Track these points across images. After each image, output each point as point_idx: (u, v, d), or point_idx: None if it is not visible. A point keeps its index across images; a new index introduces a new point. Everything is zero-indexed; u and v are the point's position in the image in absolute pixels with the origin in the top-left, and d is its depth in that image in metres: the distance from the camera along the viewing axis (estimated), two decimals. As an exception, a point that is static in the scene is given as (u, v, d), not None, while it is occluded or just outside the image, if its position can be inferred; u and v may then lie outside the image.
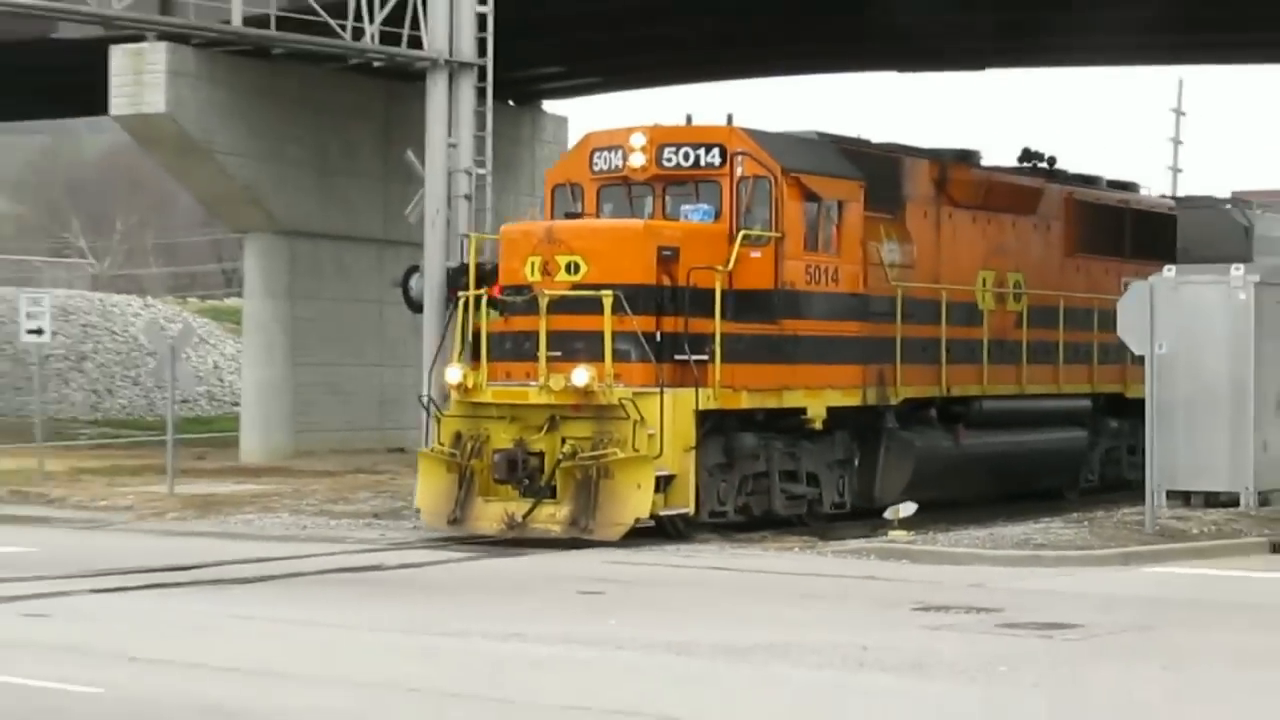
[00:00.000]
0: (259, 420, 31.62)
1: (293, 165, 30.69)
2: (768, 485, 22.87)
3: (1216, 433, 24.35)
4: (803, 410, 22.90)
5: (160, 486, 28.48)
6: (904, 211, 25.36)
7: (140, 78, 28.03)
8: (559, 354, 20.93)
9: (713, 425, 21.43)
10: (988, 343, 26.52)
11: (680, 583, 20.01)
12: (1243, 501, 24.16)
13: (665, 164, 22.71)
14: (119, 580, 19.20)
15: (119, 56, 26.86)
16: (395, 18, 24.37)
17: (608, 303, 20.40)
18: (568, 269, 20.88)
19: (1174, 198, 33.41)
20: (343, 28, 24.34)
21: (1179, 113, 62.32)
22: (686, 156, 22.81)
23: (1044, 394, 27.84)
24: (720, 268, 21.27)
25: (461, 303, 22.60)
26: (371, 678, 13.75)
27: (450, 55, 24.01)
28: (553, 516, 20.80)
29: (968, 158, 28.32)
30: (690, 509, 21.03)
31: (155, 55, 27.44)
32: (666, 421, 20.58)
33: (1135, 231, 30.58)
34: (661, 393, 20.55)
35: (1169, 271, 25.41)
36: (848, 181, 23.70)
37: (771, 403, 22.24)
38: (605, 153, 23.29)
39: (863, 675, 13.32)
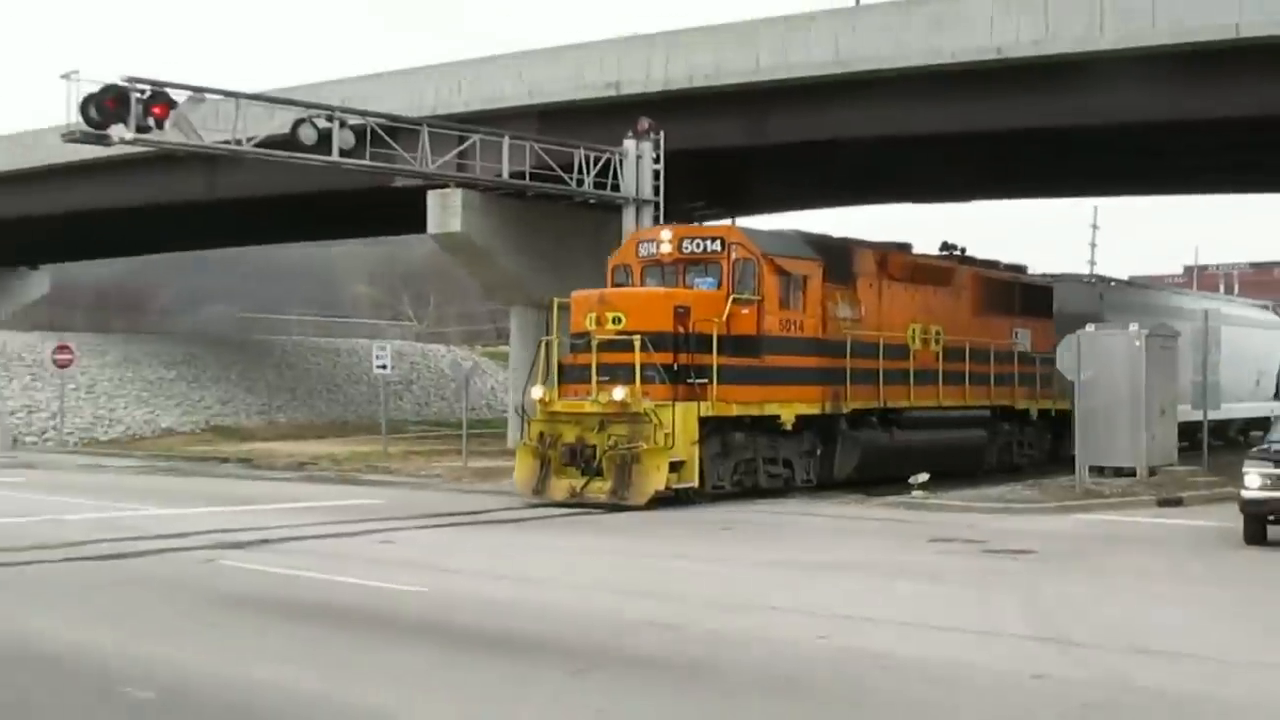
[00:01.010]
0: (516, 421, 31.58)
1: (540, 262, 31.43)
2: (756, 467, 24.58)
3: (1121, 428, 27.13)
4: (777, 416, 24.53)
5: (459, 462, 32.79)
6: (855, 283, 27.12)
7: (446, 209, 29.18)
8: (606, 379, 22.62)
9: (713, 427, 23.42)
10: (914, 372, 28.15)
11: (777, 524, 21.71)
12: (1138, 473, 26.95)
13: (684, 250, 24.49)
14: (436, 520, 21.46)
15: (433, 196, 28.22)
16: (602, 172, 23.90)
17: (637, 344, 22.37)
18: (613, 321, 22.82)
19: (1052, 275, 36.48)
20: (569, 179, 24.01)
21: (1095, 226, 61.08)
22: (699, 245, 24.57)
23: (954, 406, 29.49)
24: (716, 319, 23.03)
25: (543, 344, 24.33)
26: (586, 580, 15.36)
27: (636, 195, 24.34)
28: (600, 489, 22.55)
29: (903, 248, 30.31)
30: (695, 484, 22.93)
31: (454, 196, 28.40)
32: (679, 424, 22.47)
33: (1022, 298, 33.31)
34: (674, 404, 22.45)
35: (1090, 327, 27.72)
36: (810, 261, 25.59)
37: (755, 411, 24.27)
38: (646, 243, 25.13)
39: (899, 581, 15.18)
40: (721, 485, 23.82)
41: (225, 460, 37.91)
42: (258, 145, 25.06)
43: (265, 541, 18.24)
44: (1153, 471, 26.54)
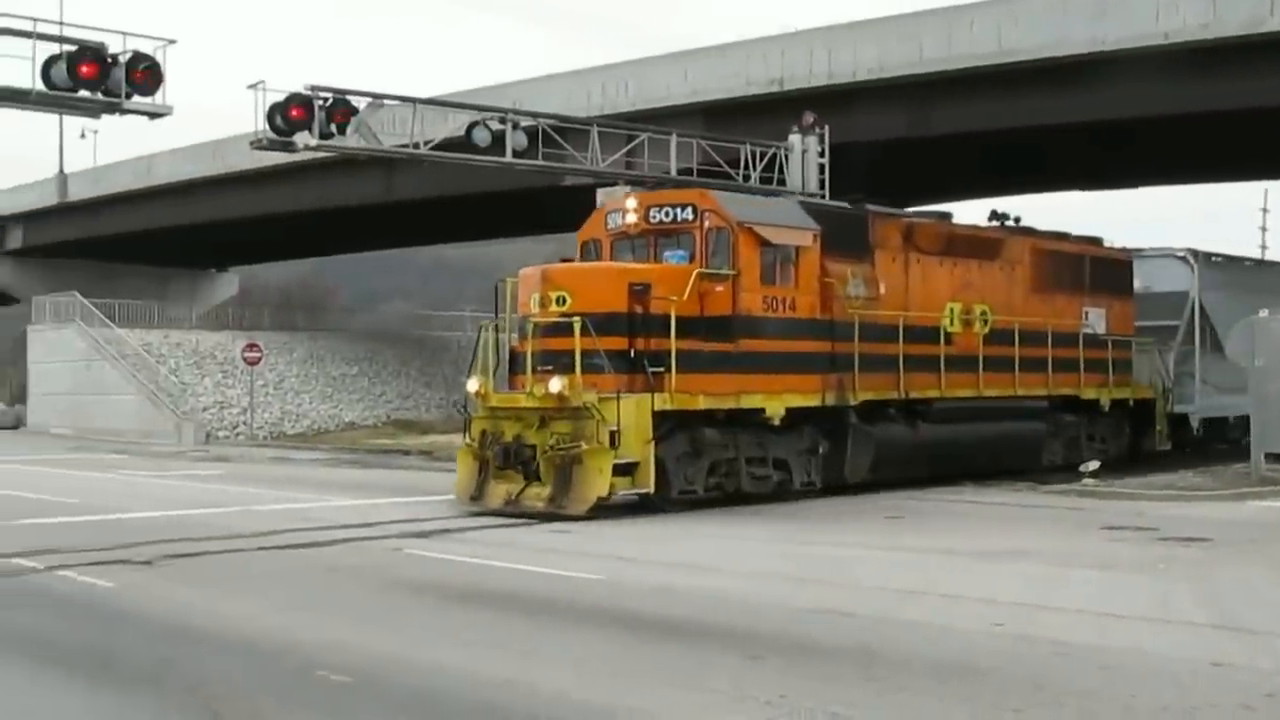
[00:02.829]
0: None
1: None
2: (738, 469, 20.90)
3: None
4: (761, 410, 20.76)
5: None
6: (872, 256, 23.36)
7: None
8: (549, 368, 19.38)
9: (677, 423, 19.85)
10: (945, 357, 24.30)
11: (947, 513, 21.00)
12: None
13: (651, 220, 21.10)
14: (605, 514, 19.77)
15: (602, 194, 27.27)
16: (768, 167, 23.99)
17: (577, 327, 18.99)
18: (558, 301, 19.52)
19: (1135, 250, 31.18)
20: (735, 174, 23.95)
21: (1265, 210, 59.36)
22: (668, 214, 21.03)
23: (1000, 396, 25.61)
24: (676, 298, 19.53)
25: (482, 329, 21.35)
26: (754, 569, 14.97)
27: (802, 189, 23.95)
28: (538, 495, 19.36)
29: (944, 216, 27.02)
30: (650, 489, 19.45)
31: (620, 192, 27.72)
32: (629, 420, 18.98)
33: (1095, 274, 28.79)
34: (619, 397, 18.90)
35: (1263, 313, 25.61)
36: (801, 231, 21.75)
37: (729, 404, 20.45)
38: (614, 214, 21.77)
39: (1071, 569, 14.66)
40: (693, 490, 20.24)
41: (407, 453, 38.84)
42: (434, 148, 25.32)
43: (447, 531, 18.50)
44: None
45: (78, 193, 60.70)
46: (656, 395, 19.28)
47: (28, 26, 20.15)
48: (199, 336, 55.50)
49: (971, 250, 25.60)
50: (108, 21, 23.04)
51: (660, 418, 19.48)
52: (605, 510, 19.77)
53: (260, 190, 46.66)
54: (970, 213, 31.60)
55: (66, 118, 45.07)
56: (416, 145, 25.09)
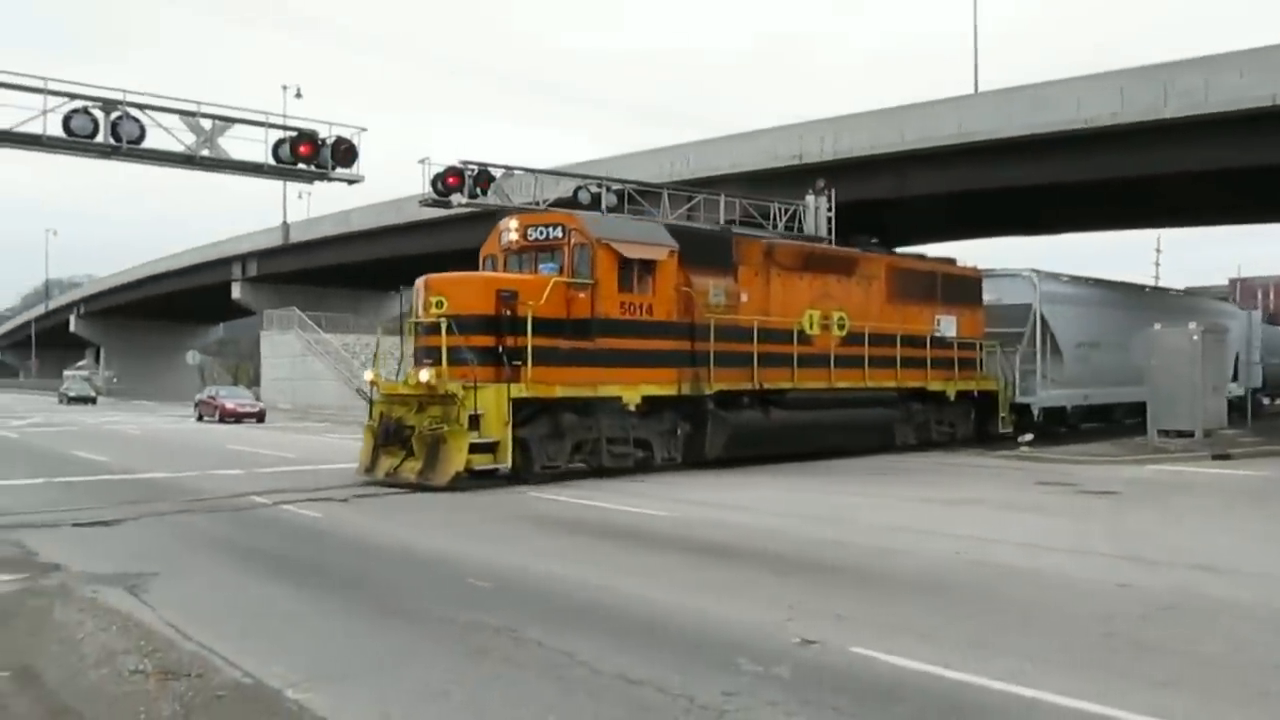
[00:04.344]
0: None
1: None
2: (601, 448, 18.65)
3: (1182, 400, 24.95)
4: (619, 398, 18.55)
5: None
6: (735, 270, 20.77)
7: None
8: (430, 360, 17.31)
9: (539, 408, 17.73)
10: (798, 355, 21.58)
11: (923, 470, 20.63)
12: (1196, 434, 24.86)
13: (529, 238, 18.93)
14: (676, 469, 19.79)
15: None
16: (790, 219, 24.26)
17: (443, 326, 17.06)
18: (436, 305, 17.28)
19: (985, 270, 27.87)
20: (766, 225, 24.15)
21: (1158, 250, 58.09)
22: (542, 233, 18.85)
23: (850, 387, 22.84)
24: (533, 302, 17.38)
25: (379, 328, 18.80)
26: (779, 510, 14.67)
27: (815, 234, 23.69)
28: (412, 468, 17.15)
29: (815, 240, 25.84)
30: (509, 465, 17.34)
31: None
32: (489, 406, 17.00)
33: (947, 288, 25.94)
34: (476, 386, 16.92)
35: (1156, 325, 25.66)
36: (658, 247, 19.30)
37: (586, 393, 18.23)
38: (504, 233, 19.33)
39: (1012, 512, 14.69)
40: (555, 465, 18.07)
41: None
42: (550, 205, 25.34)
43: (557, 478, 18.23)
44: (1208, 434, 24.66)
45: (296, 236, 61.64)
46: (514, 385, 17.29)
47: (261, 118, 20.59)
48: (380, 339, 55.66)
49: (829, 267, 23.20)
50: (319, 115, 23.40)
51: (523, 404, 17.53)
52: (675, 466, 19.62)
53: (426, 234, 47.02)
54: (944, 252, 31.21)
55: (289, 184, 45.89)
56: (538, 203, 25.15)
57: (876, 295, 24.08)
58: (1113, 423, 30.40)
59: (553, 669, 6.83)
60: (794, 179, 32.04)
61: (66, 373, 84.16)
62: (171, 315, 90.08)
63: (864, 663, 6.91)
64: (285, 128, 20.80)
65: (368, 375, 19.09)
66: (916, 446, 24.57)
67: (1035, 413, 27.49)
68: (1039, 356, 27.44)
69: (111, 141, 18.77)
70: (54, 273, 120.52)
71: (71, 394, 66.70)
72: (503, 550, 11.26)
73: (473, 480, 17.22)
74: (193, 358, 72.29)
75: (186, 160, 20.12)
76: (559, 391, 17.95)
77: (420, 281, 18.20)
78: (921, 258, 27.05)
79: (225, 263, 69.24)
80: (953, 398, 25.71)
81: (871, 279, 24.07)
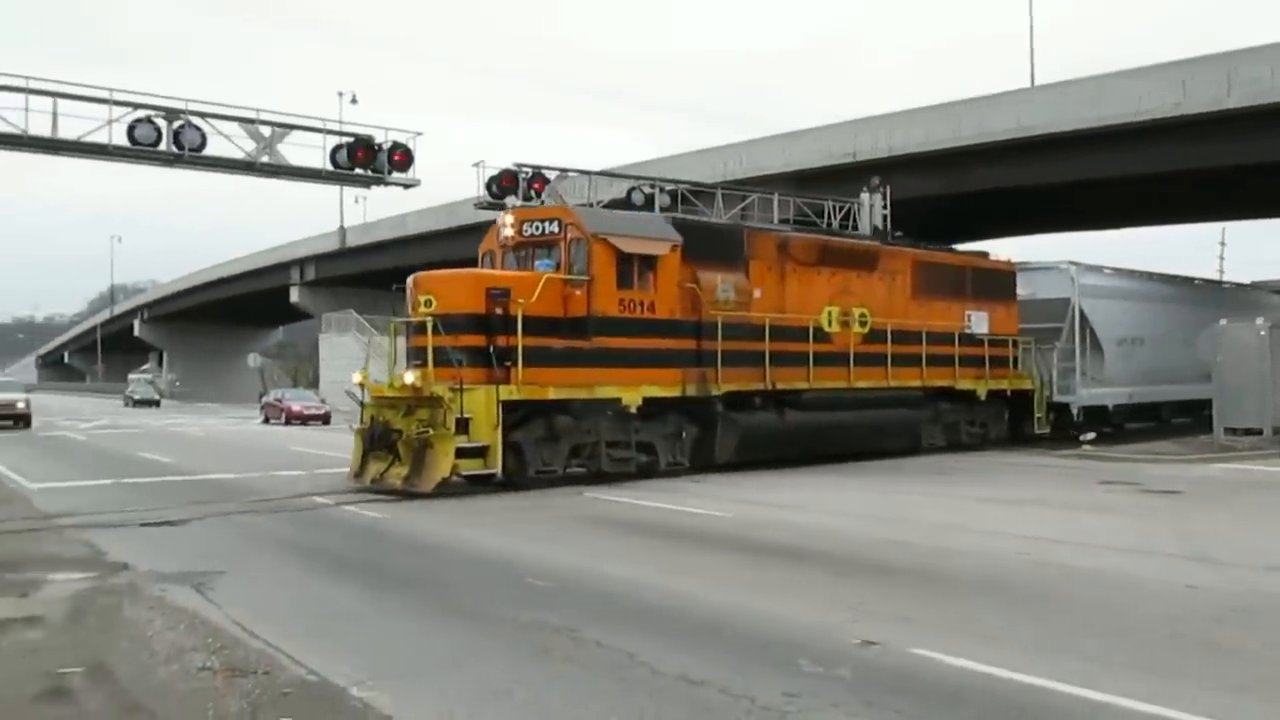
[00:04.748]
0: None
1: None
2: (599, 452, 17.63)
3: (1250, 396, 24.14)
4: (618, 399, 17.48)
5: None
6: (746, 266, 19.60)
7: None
8: (420, 362, 16.30)
9: (531, 410, 16.71)
10: (819, 353, 20.42)
11: (984, 470, 20.33)
12: (1265, 432, 24.02)
13: (524, 233, 17.84)
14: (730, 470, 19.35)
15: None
16: (845, 217, 24.30)
17: (429, 326, 16.15)
18: (425, 304, 16.38)
19: (1019, 263, 26.59)
20: (820, 223, 24.21)
21: (1222, 244, 56.59)
22: (538, 228, 17.78)
23: (871, 387, 21.56)
24: (523, 300, 16.29)
25: (392, 327, 17.72)
26: (839, 509, 14.76)
27: (871, 233, 23.39)
28: (398, 474, 16.13)
29: (830, 233, 24.33)
30: (498, 470, 16.25)
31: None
32: (477, 409, 15.95)
33: (977, 282, 24.54)
34: (462, 388, 15.85)
35: (1222, 321, 24.78)
36: (659, 241, 18.13)
37: (582, 394, 17.09)
38: (501, 228, 18.22)
39: (1075, 511, 14.43)
40: (551, 469, 17.04)
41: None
42: (604, 206, 25.34)
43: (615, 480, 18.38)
44: (1276, 430, 23.69)
45: (353, 241, 62.35)
46: (503, 387, 16.23)
47: (318, 125, 20.89)
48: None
49: (850, 261, 21.80)
50: (374, 120, 23.64)
51: (515, 406, 16.50)
52: (729, 467, 19.26)
53: (479, 237, 47.25)
54: (1002, 248, 30.51)
55: (346, 189, 46.38)
56: (592, 204, 25.22)
57: (901, 290, 22.90)
58: (1161, 422, 29.14)
59: (614, 669, 6.82)
60: (848, 176, 31.81)
61: (131, 376, 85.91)
62: (232, 319, 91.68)
63: (926, 664, 6.83)
64: (342, 133, 21.07)
65: (356, 377, 17.81)
66: (945, 448, 23.50)
67: (1074, 412, 26.31)
68: (1078, 353, 26.30)
69: (174, 149, 19.14)
70: (118, 279, 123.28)
71: (136, 397, 67.97)
72: (560, 550, 11.30)
73: (473, 486, 16.73)
74: (253, 360, 73.44)
75: (247, 167, 20.47)
76: (552, 393, 16.93)
77: (411, 280, 17.51)
78: (951, 251, 26.07)
79: (283, 267, 70.31)
80: (983, 397, 24.46)
81: (896, 274, 22.85)
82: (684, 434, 18.82)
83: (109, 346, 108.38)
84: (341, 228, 63.27)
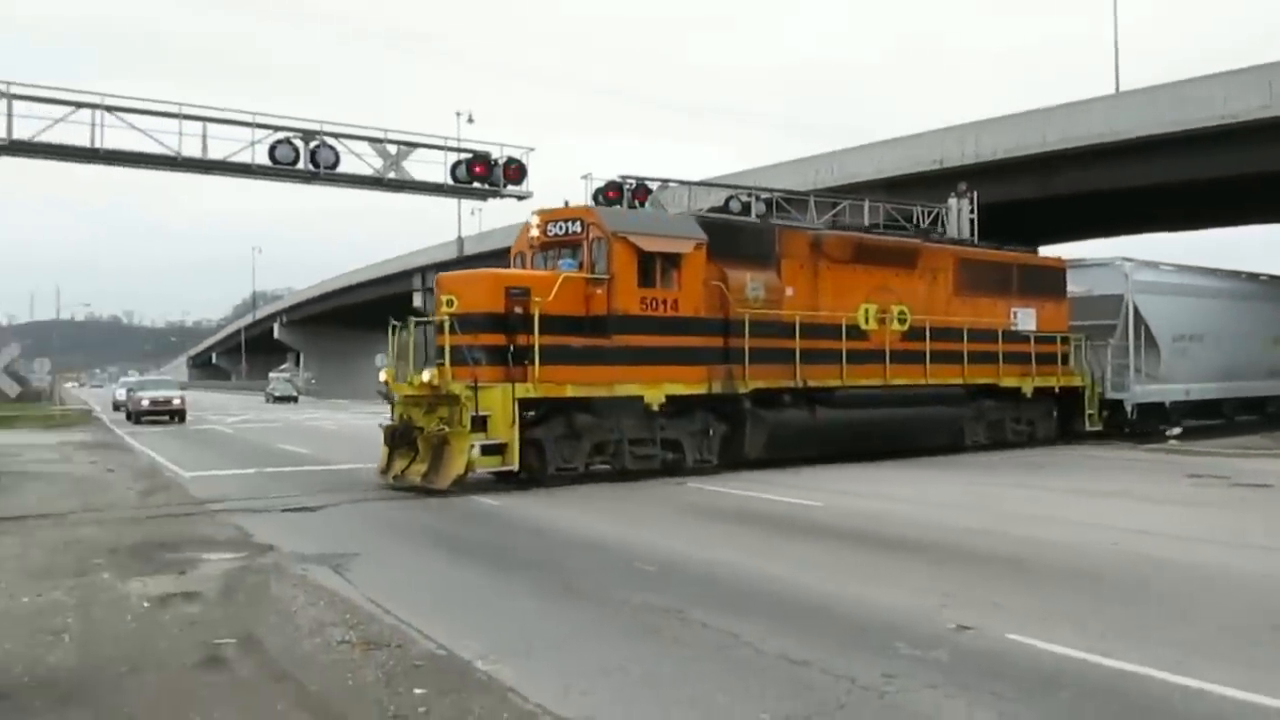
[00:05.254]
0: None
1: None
2: (623, 449, 16.72)
3: None
4: (640, 397, 16.61)
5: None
6: (778, 264, 18.67)
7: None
8: (441, 360, 15.34)
9: (552, 407, 15.97)
10: (853, 350, 19.36)
11: (1074, 463, 19.55)
12: None
13: (549, 234, 17.14)
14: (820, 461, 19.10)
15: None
16: (933, 222, 24.36)
17: (446, 325, 15.37)
18: (447, 304, 15.43)
19: (1072, 260, 25.42)
20: (909, 228, 23.57)
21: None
22: (561, 228, 17.01)
23: (908, 384, 20.37)
24: (540, 299, 15.54)
25: (392, 328, 16.80)
26: (932, 500, 14.25)
27: (957, 236, 22.87)
28: (418, 471, 15.51)
29: (868, 230, 23.15)
30: (515, 467, 15.50)
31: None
32: (494, 406, 15.24)
33: (1023, 279, 23.20)
34: (477, 386, 15.14)
35: None
36: (682, 239, 17.24)
37: (601, 392, 16.25)
38: (529, 230, 17.46)
39: (1164, 505, 13.91)
40: (572, 467, 16.27)
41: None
42: (704, 213, 25.56)
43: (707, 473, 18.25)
44: None
45: (470, 249, 63.37)
46: (519, 384, 15.50)
47: (439, 142, 21.37)
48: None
49: (887, 259, 20.73)
50: (491, 136, 24.02)
51: (533, 404, 15.82)
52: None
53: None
54: (1078, 250, 29.47)
55: (464, 201, 47.28)
56: (691, 213, 25.40)
57: (943, 287, 21.65)
58: (1224, 419, 27.71)
59: (719, 649, 6.81)
60: (936, 182, 31.21)
61: (271, 375, 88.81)
62: (361, 322, 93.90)
63: (1020, 649, 6.66)
64: (461, 149, 21.48)
65: (382, 375, 17.18)
66: (988, 445, 22.16)
67: (1129, 410, 24.97)
68: (1132, 350, 24.97)
69: (311, 168, 19.76)
70: (259, 286, 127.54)
71: (276, 394, 69.87)
72: (665, 536, 11.30)
73: (497, 483, 16.10)
74: (380, 360, 75.01)
75: (375, 182, 21.02)
76: (570, 391, 16.14)
77: (435, 280, 17.01)
78: (998, 248, 24.27)
79: (406, 275, 71.77)
80: (1029, 394, 22.97)
81: (937, 271, 21.64)
82: (711, 431, 17.95)
83: (251, 348, 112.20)
84: (459, 237, 64.28)
